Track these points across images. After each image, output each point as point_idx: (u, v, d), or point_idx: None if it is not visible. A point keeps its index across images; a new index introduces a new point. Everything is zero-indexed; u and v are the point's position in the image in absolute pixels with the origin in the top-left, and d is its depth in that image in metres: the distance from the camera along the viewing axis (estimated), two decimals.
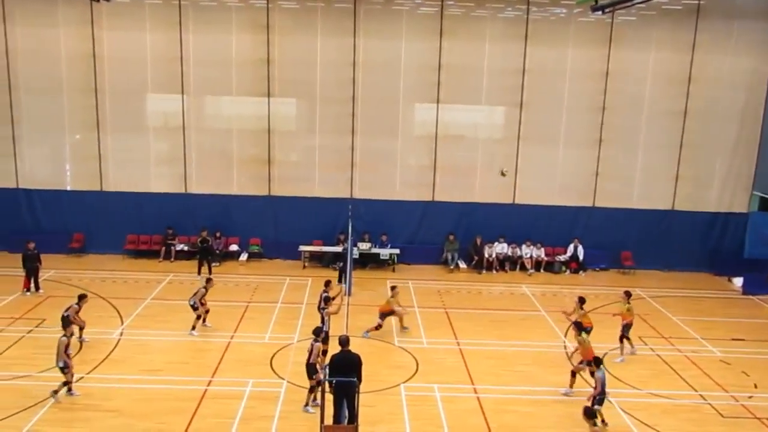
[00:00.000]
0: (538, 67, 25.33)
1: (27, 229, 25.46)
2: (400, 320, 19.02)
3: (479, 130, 26.66)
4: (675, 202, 26.26)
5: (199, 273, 23.55)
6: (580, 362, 15.74)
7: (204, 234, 24.08)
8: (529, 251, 26.02)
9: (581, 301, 17.89)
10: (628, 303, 18.11)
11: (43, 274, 22.08)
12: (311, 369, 13.98)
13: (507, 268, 25.97)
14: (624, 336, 17.89)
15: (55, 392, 14.24)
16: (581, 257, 26.02)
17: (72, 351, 14.72)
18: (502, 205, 26.16)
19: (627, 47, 25.23)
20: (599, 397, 13.65)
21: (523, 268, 25.94)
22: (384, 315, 18.58)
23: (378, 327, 18.40)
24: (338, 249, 24.91)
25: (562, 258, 26.17)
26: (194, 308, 18.41)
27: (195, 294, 18.59)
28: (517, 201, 26.24)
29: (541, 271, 25.98)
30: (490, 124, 26.80)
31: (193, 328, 18.38)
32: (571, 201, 26.25)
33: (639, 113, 25.73)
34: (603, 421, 13.81)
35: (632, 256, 26.15)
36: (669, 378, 16.81)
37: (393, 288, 19.30)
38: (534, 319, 20.72)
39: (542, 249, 26.07)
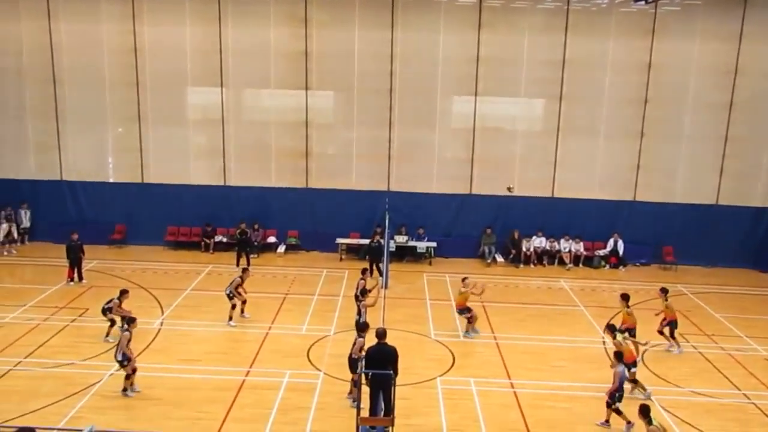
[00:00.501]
0: (578, 58, 24.98)
1: (71, 220, 25.99)
2: (473, 320, 18.40)
3: (518, 122, 26.40)
4: (719, 197, 25.70)
5: (237, 264, 23.77)
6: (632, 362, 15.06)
7: (242, 226, 24.31)
8: (567, 245, 25.72)
9: (625, 298, 17.35)
10: (666, 300, 17.80)
11: (86, 265, 22.51)
12: (354, 363, 13.97)
13: (545, 262, 25.71)
14: (672, 332, 17.66)
15: (125, 390, 14.28)
16: (621, 252, 25.64)
17: (133, 344, 14.77)
18: (540, 199, 25.91)
19: (670, 38, 24.72)
20: (618, 393, 13.52)
21: (561, 262, 25.66)
22: (462, 311, 18.21)
23: (470, 320, 18.19)
24: (364, 241, 25.11)
25: (601, 253, 25.82)
26: (230, 297, 18.58)
27: (231, 283, 18.77)
28: (556, 194, 25.96)
29: (580, 265, 25.68)
30: (529, 116, 26.50)
31: (230, 318, 18.55)
32: (611, 195, 25.87)
33: (682, 105, 25.21)
34: (628, 422, 13.45)
35: (674, 251, 25.67)
36: (712, 376, 16.48)
37: (464, 279, 18.78)
38: (572, 314, 20.50)
39: (581, 243, 25.75)
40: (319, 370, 15.92)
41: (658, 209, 25.66)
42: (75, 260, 21.74)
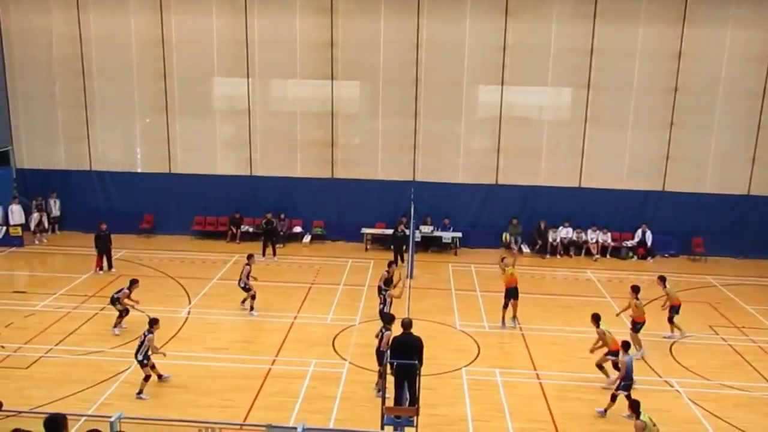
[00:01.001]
0: (606, 46, 24.62)
1: (100, 210, 26.33)
2: (514, 309, 18.34)
3: (545, 111, 26.13)
4: (751, 187, 25.24)
5: (263, 254, 23.92)
6: (606, 353, 15.13)
7: (269, 216, 24.43)
8: (595, 236, 25.48)
9: (635, 290, 16.96)
10: (666, 287, 17.88)
11: (115, 254, 22.78)
12: (381, 356, 13.96)
13: (572, 253, 25.51)
14: (671, 318, 17.72)
15: (140, 393, 14.01)
16: (650, 243, 25.33)
17: (158, 341, 14.78)
18: (567, 189, 25.67)
19: (702, 25, 24.24)
20: (625, 383, 13.58)
21: (588, 253, 25.44)
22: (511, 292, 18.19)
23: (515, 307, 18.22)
24: (387, 231, 25.21)
25: (629, 243, 25.54)
26: (246, 289, 18.69)
27: (241, 273, 18.86)
28: (583, 184, 25.69)
29: (608, 256, 25.42)
30: (556, 105, 26.22)
31: (251, 308, 18.67)
32: (640, 185, 25.55)
33: (714, 94, 24.73)
34: (606, 409, 13.77)
35: (704, 242, 25.31)
36: (742, 369, 16.25)
37: (503, 259, 18.83)
38: (599, 306, 20.16)
39: (609, 234, 25.49)
40: (345, 360, 15.98)
41: (688, 200, 25.28)
42: (104, 249, 22.03)
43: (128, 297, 17.21)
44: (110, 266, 22.13)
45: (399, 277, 17.58)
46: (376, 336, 14.36)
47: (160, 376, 14.55)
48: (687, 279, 22.99)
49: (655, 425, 11.62)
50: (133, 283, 17.36)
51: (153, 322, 14.56)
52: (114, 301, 17.12)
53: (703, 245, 25.30)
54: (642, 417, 11.59)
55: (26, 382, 14.48)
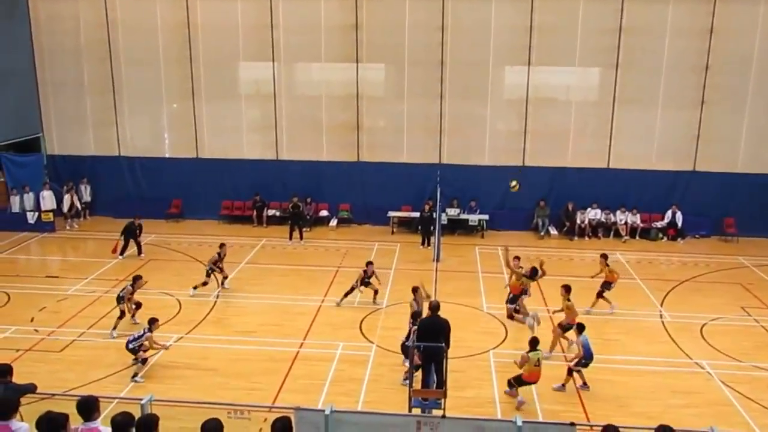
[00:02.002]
0: (635, 25, 24.20)
1: (130, 195, 26.68)
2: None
3: (572, 92, 25.82)
4: None
5: (290, 238, 24.04)
6: (560, 324, 15.56)
7: (295, 200, 24.51)
8: (623, 217, 25.20)
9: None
10: (608, 265, 17.99)
11: (144, 239, 23.02)
12: (407, 350, 13.94)
13: (600, 234, 25.27)
14: (601, 293, 17.86)
15: (134, 376, 14.06)
16: (680, 224, 25.00)
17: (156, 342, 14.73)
18: (595, 170, 25.38)
19: (733, 0, 23.71)
20: (584, 361, 13.79)
21: (617, 234, 25.19)
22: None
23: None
24: (413, 214, 25.25)
25: (659, 224, 25.23)
26: (208, 274, 18.69)
27: (210, 259, 19.00)
28: (611, 166, 25.38)
29: (637, 238, 25.15)
30: (584, 86, 25.87)
31: (195, 287, 18.65)
32: (670, 165, 25.18)
33: (746, 72, 24.22)
34: (584, 383, 13.94)
35: (735, 222, 24.91)
36: None
37: (516, 258, 18.40)
38: (628, 287, 20.08)
39: (638, 215, 25.19)
40: (372, 343, 16.03)
41: (719, 180, 24.88)
42: (131, 237, 22.16)
43: (131, 294, 16.80)
44: (140, 251, 22.34)
45: (425, 295, 15.96)
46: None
47: (145, 360, 14.33)
48: (718, 260, 22.69)
49: (538, 365, 13.08)
50: (137, 279, 16.99)
51: (152, 321, 14.58)
52: (120, 299, 16.73)
53: (735, 225, 24.91)
54: (532, 354, 13.08)
55: (60, 365, 14.74)
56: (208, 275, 18.80)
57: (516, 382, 13.40)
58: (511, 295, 17.86)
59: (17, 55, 25.86)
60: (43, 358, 15.01)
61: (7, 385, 8.91)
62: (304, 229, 24.65)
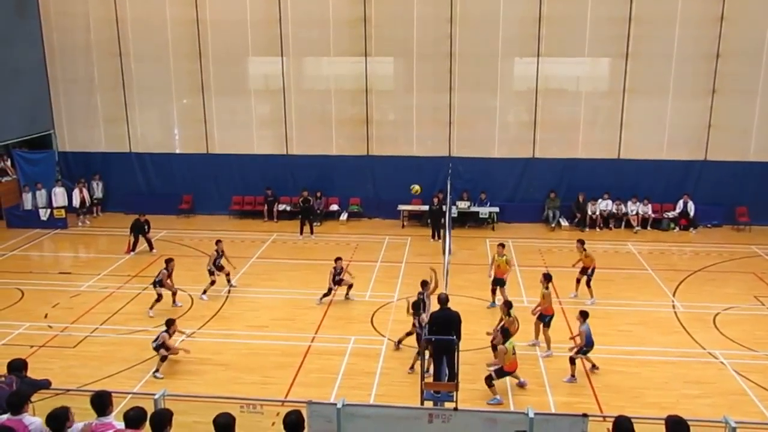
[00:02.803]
0: (645, 14, 24.03)
1: (141, 191, 26.81)
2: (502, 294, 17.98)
3: (582, 83, 25.69)
4: None
5: (301, 233, 24.08)
6: (537, 309, 15.53)
7: (305, 194, 24.54)
8: (635, 208, 25.08)
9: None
10: (584, 250, 18.11)
11: (156, 234, 23.13)
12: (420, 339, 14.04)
13: (611, 225, 25.17)
14: (588, 281, 17.94)
15: (156, 371, 14.19)
16: (692, 214, 24.87)
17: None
18: (606, 161, 25.27)
19: None
20: (585, 348, 13.89)
21: (628, 225, 25.08)
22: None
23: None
24: (423, 207, 25.19)
25: (670, 215, 25.10)
26: (211, 273, 18.57)
27: (209, 259, 18.84)
28: (622, 156, 25.26)
29: (648, 228, 25.03)
30: (594, 76, 25.76)
31: (204, 293, 18.46)
32: (681, 155, 25.03)
33: (758, 59, 24.01)
34: (593, 366, 14.24)
35: (748, 211, 24.75)
36: None
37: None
38: (640, 278, 20.04)
39: (649, 205, 25.06)
40: (383, 336, 16.06)
41: (731, 168, 24.72)
42: (140, 233, 22.31)
43: (168, 278, 17.46)
44: (151, 248, 22.46)
45: (436, 283, 15.83)
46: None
47: (164, 358, 14.33)
48: (731, 249, 22.57)
49: (515, 354, 13.26)
50: (169, 262, 17.67)
51: (170, 323, 14.54)
52: (156, 284, 17.30)
53: (748, 214, 24.76)
54: (507, 344, 13.20)
55: (73, 360, 14.86)
56: (211, 274, 18.74)
57: (497, 375, 13.31)
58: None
59: (28, 52, 25.99)
60: (58, 354, 15.14)
61: (23, 380, 8.99)
62: (314, 224, 24.66)
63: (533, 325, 15.65)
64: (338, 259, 18.40)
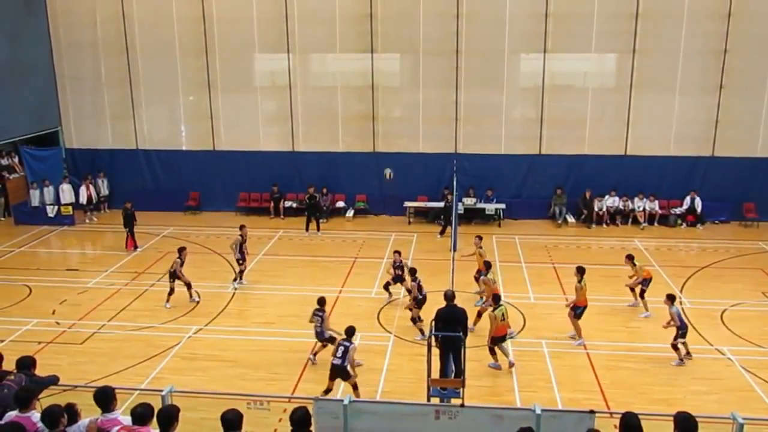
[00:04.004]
0: (652, 9, 23.94)
1: (147, 188, 26.85)
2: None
3: (588, 79, 25.61)
4: None
5: (307, 229, 24.08)
6: (571, 302, 15.80)
7: (311, 191, 24.54)
8: (641, 204, 25.00)
9: (630, 258, 17.71)
10: (635, 265, 17.38)
11: (163, 231, 23.22)
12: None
13: (618, 222, 25.10)
14: (642, 293, 17.20)
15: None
16: (699, 210, 24.78)
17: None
18: (613, 157, 25.17)
19: None
20: (681, 331, 14.17)
21: (635, 221, 25.00)
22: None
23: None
24: (438, 204, 24.95)
25: (677, 211, 25.02)
26: (239, 262, 18.94)
27: (233, 242, 19.05)
28: (629, 152, 25.17)
29: (655, 224, 24.95)
30: (601, 72, 25.69)
31: (240, 278, 19.00)
32: (688, 151, 24.91)
33: (765, 55, 23.86)
34: (688, 352, 14.39)
35: (755, 207, 24.64)
36: None
37: (479, 238, 18.95)
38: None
39: (656, 202, 24.99)
40: (390, 333, 16.06)
41: (739, 164, 24.61)
42: (129, 227, 22.23)
43: (182, 266, 17.59)
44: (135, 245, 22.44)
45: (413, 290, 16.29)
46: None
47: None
48: (738, 245, 22.49)
49: (504, 320, 14.02)
50: (182, 250, 17.82)
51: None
52: (172, 275, 17.44)
53: (755, 210, 24.65)
54: (496, 311, 13.97)
55: (81, 357, 14.92)
56: (240, 263, 18.89)
57: (492, 343, 14.07)
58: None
59: (35, 49, 26.07)
60: (65, 351, 15.20)
61: (31, 378, 9.02)
62: (321, 221, 24.64)
63: (569, 319, 15.68)
64: (397, 252, 18.20)
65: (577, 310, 15.49)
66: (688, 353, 14.47)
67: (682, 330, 14.25)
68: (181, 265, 17.62)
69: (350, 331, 13.19)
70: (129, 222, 22.21)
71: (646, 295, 17.10)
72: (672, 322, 14.34)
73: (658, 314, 17.06)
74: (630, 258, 17.87)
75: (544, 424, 8.25)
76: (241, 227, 19.37)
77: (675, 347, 14.32)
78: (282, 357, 14.86)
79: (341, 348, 12.89)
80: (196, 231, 24.49)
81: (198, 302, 17.73)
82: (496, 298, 14.51)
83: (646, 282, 17.19)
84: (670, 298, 14.56)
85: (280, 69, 26.08)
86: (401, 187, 25.91)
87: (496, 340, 14.10)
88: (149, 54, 26.41)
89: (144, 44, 26.35)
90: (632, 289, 17.60)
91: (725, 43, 23.86)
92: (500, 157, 25.62)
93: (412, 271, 16.41)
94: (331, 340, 14.14)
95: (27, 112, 25.86)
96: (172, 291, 17.48)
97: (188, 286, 17.83)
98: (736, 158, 24.63)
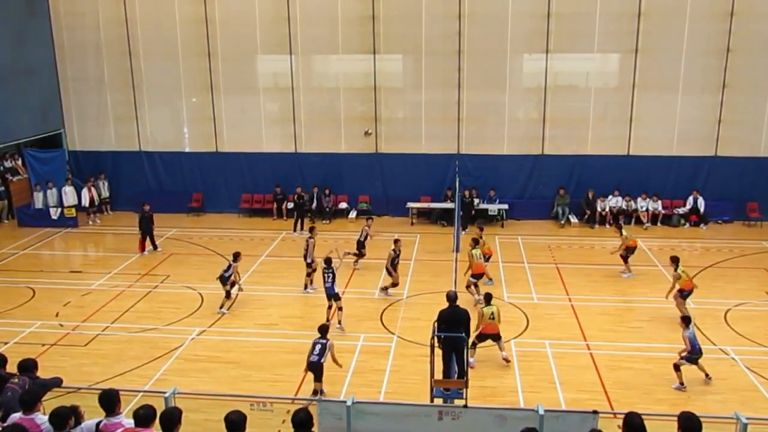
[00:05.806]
0: (654, 9, 23.90)
1: (150, 190, 26.88)
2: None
3: (591, 79, 25.58)
4: None
5: (294, 230, 24.15)
6: (473, 275, 16.96)
7: (299, 191, 24.84)
8: (645, 204, 24.97)
9: (673, 260, 16.96)
10: (679, 267, 16.84)
11: (166, 233, 23.22)
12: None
13: (621, 222, 25.03)
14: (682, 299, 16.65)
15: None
16: (702, 209, 24.74)
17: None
18: (616, 157, 25.13)
19: None
20: (688, 355, 13.45)
21: (638, 222, 24.97)
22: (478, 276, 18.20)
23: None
24: (447, 205, 24.89)
25: (681, 211, 24.99)
26: (308, 265, 18.78)
27: (306, 249, 18.84)
28: (632, 152, 25.14)
29: (658, 224, 24.92)
30: (603, 72, 25.65)
31: (311, 283, 18.89)
32: (691, 151, 24.87)
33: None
34: (707, 375, 13.63)
35: (759, 207, 24.59)
36: None
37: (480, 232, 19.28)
38: (650, 275, 19.94)
39: (659, 202, 24.95)
40: (393, 334, 16.06)
41: (742, 164, 24.56)
42: (147, 231, 22.21)
43: (237, 270, 17.64)
44: (154, 246, 22.45)
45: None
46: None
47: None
48: (742, 245, 22.45)
49: (492, 319, 14.18)
50: (237, 256, 17.72)
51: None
52: (225, 279, 17.35)
53: (759, 210, 24.60)
54: (486, 308, 14.27)
55: (85, 359, 14.94)
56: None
57: (478, 340, 14.22)
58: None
59: (38, 51, 26.12)
60: (69, 352, 15.22)
61: (34, 380, 9.05)
62: (323, 221, 24.73)
63: (676, 306, 16.28)
64: (397, 240, 18.76)
65: (683, 293, 16.32)
66: (707, 375, 13.55)
67: (693, 354, 13.39)
68: (237, 270, 17.66)
69: (324, 329, 13.21)
70: (146, 225, 22.15)
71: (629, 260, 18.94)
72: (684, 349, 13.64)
73: (662, 313, 17.08)
74: (618, 227, 19.11)
75: (548, 424, 8.26)
76: (311, 229, 19.61)
77: (677, 368, 13.47)
78: (285, 358, 14.86)
79: (318, 346, 12.96)
80: (198, 232, 24.51)
81: (224, 313, 17.41)
82: (487, 298, 14.80)
83: (630, 249, 18.82)
84: (685, 321, 13.76)
85: (283, 70, 26.10)
86: (403, 188, 25.89)
87: (482, 338, 14.34)
88: (152, 56, 26.45)
89: (147, 46, 26.39)
90: (623, 258, 18.85)
91: (728, 43, 23.81)
92: (503, 158, 25.61)
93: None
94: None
95: (30, 114, 25.92)
96: (228, 295, 17.52)
97: (230, 288, 17.63)
98: (740, 158, 24.58)
